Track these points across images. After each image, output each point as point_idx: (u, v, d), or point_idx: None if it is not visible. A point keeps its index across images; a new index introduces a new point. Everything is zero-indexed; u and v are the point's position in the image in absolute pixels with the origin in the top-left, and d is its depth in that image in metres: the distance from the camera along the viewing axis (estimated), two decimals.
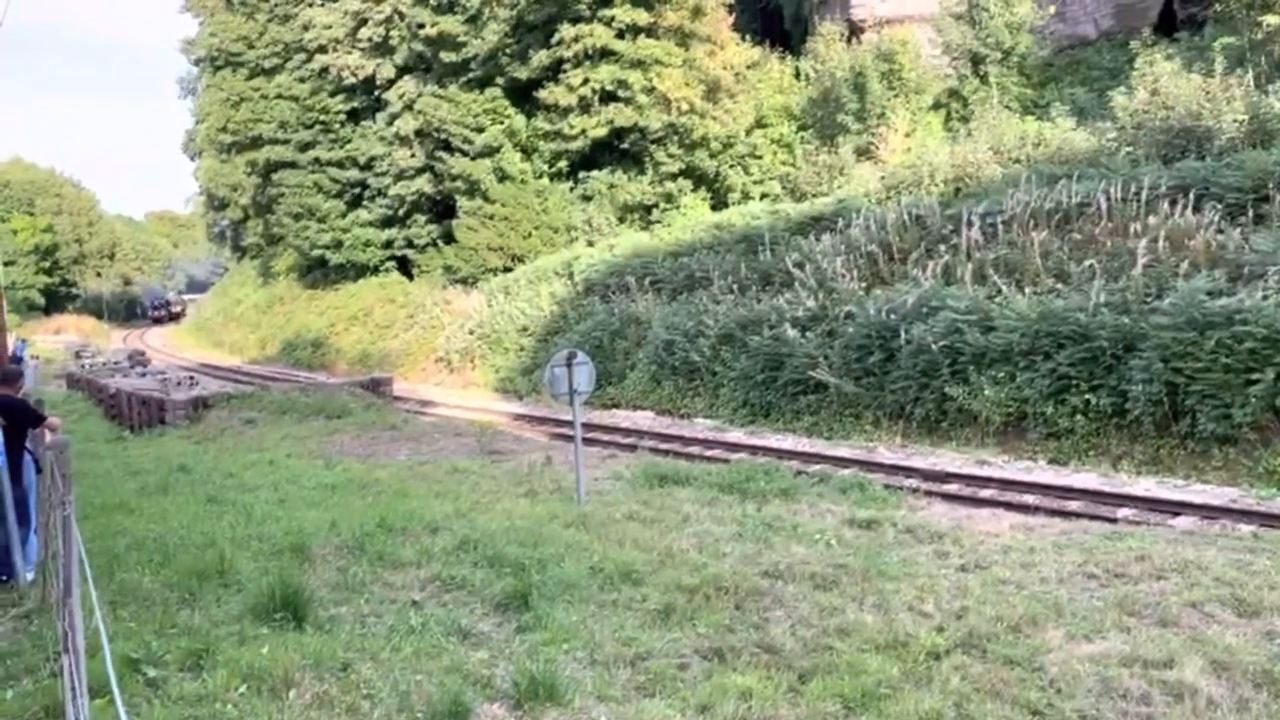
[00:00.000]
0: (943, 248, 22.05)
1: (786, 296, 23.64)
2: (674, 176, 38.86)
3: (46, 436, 9.00)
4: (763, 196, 37.44)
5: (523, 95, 41.18)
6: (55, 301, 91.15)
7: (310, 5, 52.30)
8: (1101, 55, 33.59)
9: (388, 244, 49.36)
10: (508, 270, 40.18)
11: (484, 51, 40.38)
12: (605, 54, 37.76)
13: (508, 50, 40.28)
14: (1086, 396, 16.33)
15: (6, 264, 58.99)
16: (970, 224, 21.86)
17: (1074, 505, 13.07)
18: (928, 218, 23.98)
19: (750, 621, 7.08)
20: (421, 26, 42.38)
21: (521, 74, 40.16)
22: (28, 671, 6.24)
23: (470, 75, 42.01)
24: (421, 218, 47.66)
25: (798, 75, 40.00)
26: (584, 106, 38.48)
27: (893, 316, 19.93)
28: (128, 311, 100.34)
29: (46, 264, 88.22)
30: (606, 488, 13.36)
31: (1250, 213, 18.62)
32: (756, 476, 13.32)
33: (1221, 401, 14.67)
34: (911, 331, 19.15)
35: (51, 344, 66.80)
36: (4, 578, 8.30)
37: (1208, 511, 12.25)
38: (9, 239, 78.49)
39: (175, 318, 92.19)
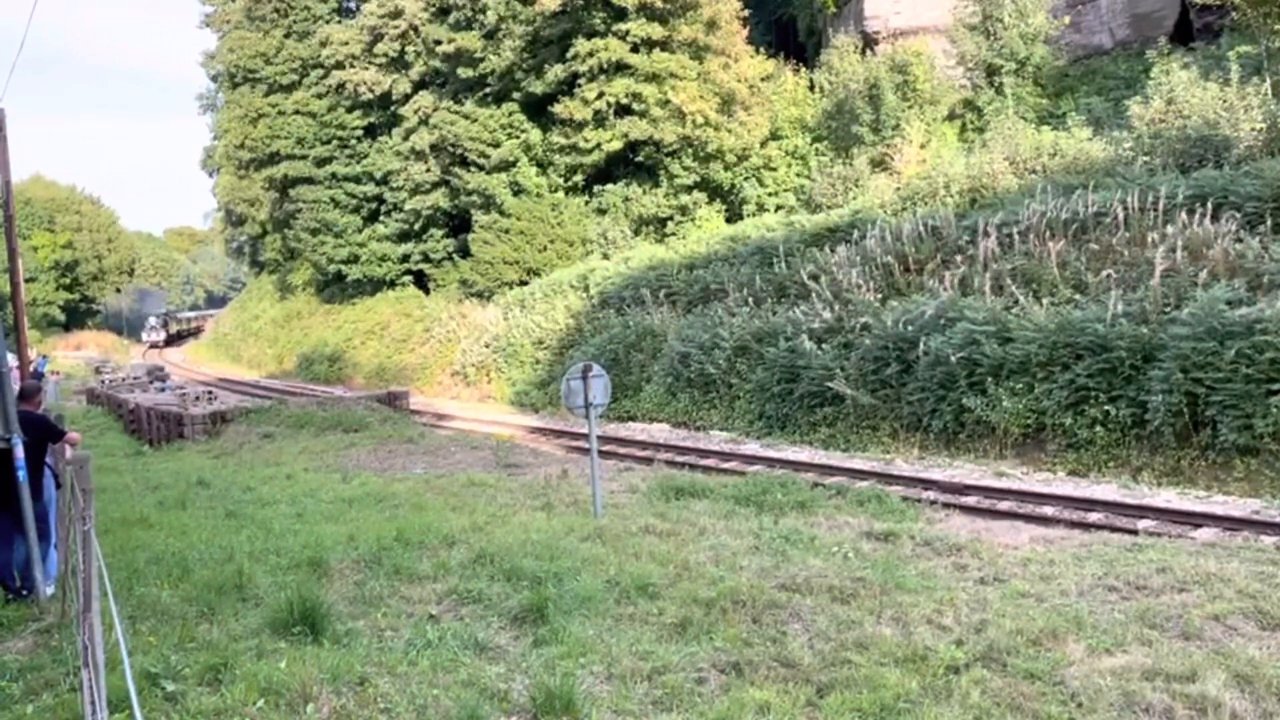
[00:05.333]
0: (959, 259, 21.99)
1: (802, 308, 23.61)
2: (689, 189, 38.93)
3: (67, 451, 9.06)
4: (777, 208, 37.44)
5: (538, 109, 41.39)
6: (75, 317, 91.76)
7: (327, 21, 52.80)
8: (1117, 65, 33.49)
9: (404, 258, 49.64)
10: (523, 284, 40.31)
11: (500, 67, 40.61)
12: (620, 68, 37.92)
13: (524, 65, 40.50)
14: (1105, 407, 16.22)
15: (27, 280, 59.52)
16: (986, 235, 21.80)
17: (1094, 517, 12.98)
18: (943, 229, 23.92)
19: (768, 635, 7.04)
20: (439, 43, 42.68)
21: (537, 88, 40.37)
22: (48, 686, 6.27)
23: (486, 90, 42.25)
24: (437, 232, 47.92)
25: (812, 87, 40.02)
26: (599, 120, 38.63)
27: (910, 328, 19.87)
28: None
29: (67, 280, 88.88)
30: (623, 501, 13.35)
31: (1269, 221, 18.49)
32: (773, 489, 13.30)
33: (1243, 412, 14.54)
34: (929, 343, 19.08)
35: (72, 360, 67.38)
36: (24, 592, 8.35)
37: (1230, 523, 12.13)
38: (30, 256, 79.14)
39: (175, 340, 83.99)
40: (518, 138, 41.70)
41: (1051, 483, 15.57)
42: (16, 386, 9.25)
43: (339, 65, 49.53)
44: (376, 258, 50.27)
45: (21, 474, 8.10)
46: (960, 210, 26.02)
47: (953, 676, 6.21)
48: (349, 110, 51.37)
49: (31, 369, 25.08)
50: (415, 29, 44.89)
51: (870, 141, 34.95)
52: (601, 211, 40.75)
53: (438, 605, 7.86)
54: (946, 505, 13.82)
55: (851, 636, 6.93)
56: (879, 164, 34.00)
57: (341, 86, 49.68)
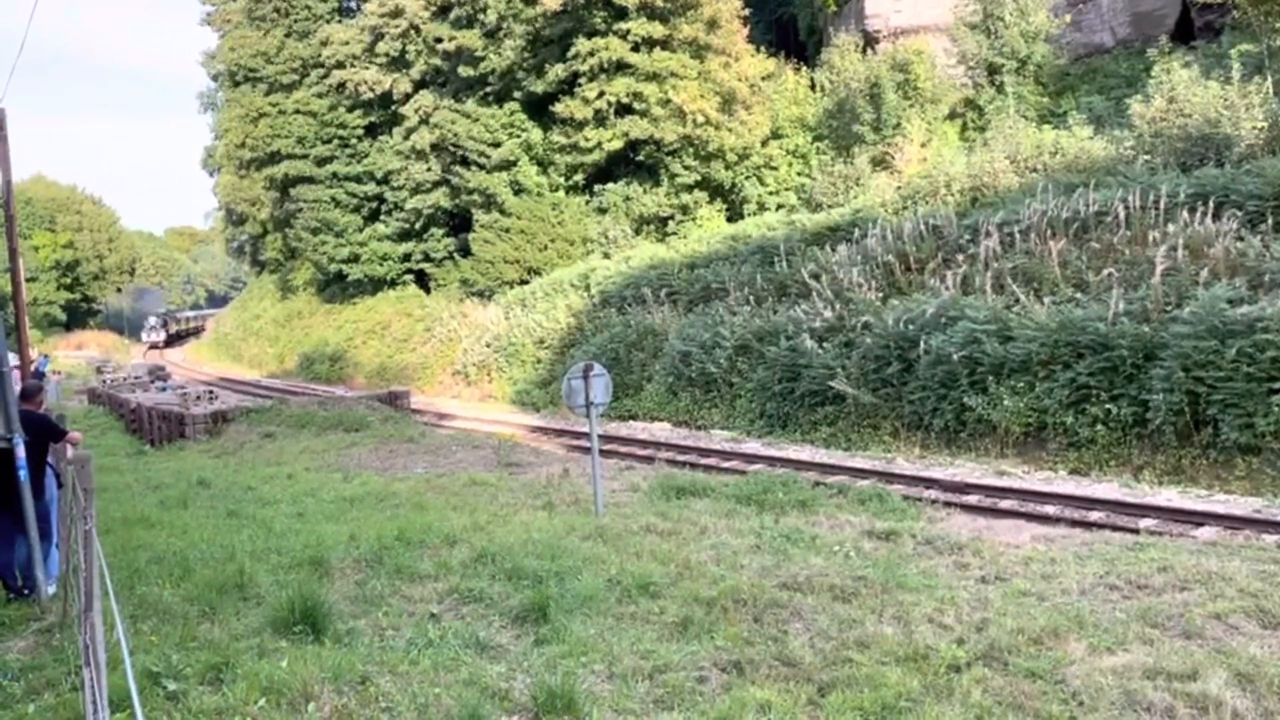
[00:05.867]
0: (960, 258, 21.99)
1: (803, 307, 23.60)
2: (690, 188, 38.92)
3: (68, 451, 9.06)
4: (778, 207, 37.44)
5: (539, 109, 41.39)
6: (76, 317, 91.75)
7: (328, 21, 52.79)
8: (1118, 63, 33.47)
9: (405, 257, 49.63)
10: (524, 283, 40.31)
11: (501, 66, 40.61)
12: (621, 67, 37.91)
13: (524, 64, 40.50)
14: (1107, 406, 16.22)
15: (29, 280, 59.41)
16: (988, 234, 21.80)
17: (1095, 516, 12.97)
18: (944, 228, 23.93)
19: (769, 634, 7.04)
20: (439, 41, 42.68)
21: (538, 88, 40.36)
22: (49, 685, 6.28)
23: (487, 89, 42.25)
24: (438, 231, 47.91)
25: (813, 86, 40.00)
26: (600, 119, 38.62)
27: (911, 327, 19.87)
28: None
29: (68, 280, 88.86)
30: (624, 500, 13.35)
31: (1270, 220, 18.50)
32: (774, 488, 13.30)
33: (1244, 411, 14.54)
34: (930, 342, 19.08)
35: (73, 359, 67.39)
36: (26, 591, 8.35)
37: (1231, 522, 12.13)
38: (31, 255, 79.10)
39: (175, 341, 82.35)
40: (518, 137, 41.70)
41: (1053, 481, 15.57)
42: (18, 386, 9.26)
43: (339, 65, 49.53)
44: (377, 257, 50.27)
45: (23, 473, 8.10)
46: (961, 209, 26.02)
47: (954, 675, 6.21)
48: (349, 109, 51.37)
49: (32, 369, 25.08)
50: (416, 28, 44.88)
51: (871, 140, 34.95)
52: (602, 211, 40.74)
53: (439, 604, 7.86)
54: (948, 504, 13.82)
55: (853, 635, 6.93)
56: (880, 163, 34.00)
57: (342, 86, 49.68)
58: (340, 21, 52.89)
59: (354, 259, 50.77)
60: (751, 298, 26.26)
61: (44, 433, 8.78)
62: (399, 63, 46.91)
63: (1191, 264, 17.56)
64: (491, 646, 6.89)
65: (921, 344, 19.25)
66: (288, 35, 53.81)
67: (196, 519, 12.23)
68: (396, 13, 45.44)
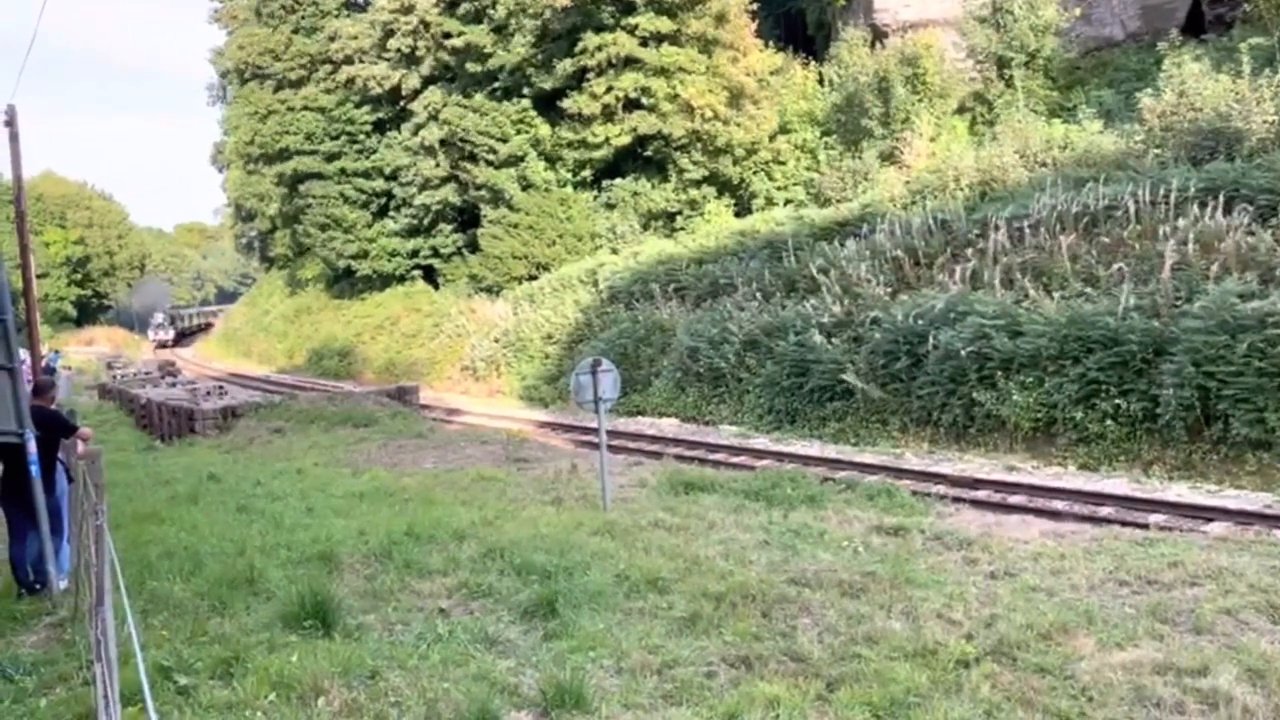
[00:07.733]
0: (969, 252, 21.93)
1: (812, 302, 23.58)
2: (698, 183, 38.87)
3: (79, 447, 9.10)
4: (787, 203, 37.35)
5: (547, 105, 41.36)
6: (87, 313, 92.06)
7: (335, 16, 52.80)
8: (1128, 57, 33.29)
9: (413, 253, 49.65)
10: (532, 279, 40.31)
11: (510, 62, 40.61)
12: (629, 62, 37.86)
13: (533, 60, 40.48)
14: (1116, 401, 16.17)
15: (39, 276, 59.44)
16: (997, 228, 21.74)
17: (1105, 511, 12.93)
18: (953, 222, 23.87)
19: (777, 629, 7.04)
20: (448, 36, 42.67)
21: (545, 83, 40.33)
22: (61, 679, 6.32)
23: (496, 85, 42.26)
24: (446, 227, 47.91)
25: (821, 81, 39.90)
26: (608, 115, 38.59)
27: (920, 322, 19.84)
28: None
29: (78, 276, 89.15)
30: (632, 495, 13.36)
31: None
32: (782, 483, 13.30)
33: (1255, 406, 14.48)
34: (939, 337, 19.05)
35: (83, 355, 67.66)
36: (38, 586, 8.40)
37: (1241, 517, 12.08)
38: (42, 251, 79.32)
39: (181, 339, 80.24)
40: (527, 133, 41.70)
41: (1062, 477, 15.52)
42: (29, 382, 9.31)
43: (348, 60, 49.50)
44: (386, 253, 50.29)
45: (34, 469, 8.15)
46: (970, 204, 25.94)
47: (963, 671, 6.20)
48: (358, 105, 51.35)
49: (44, 365, 25.21)
50: (425, 24, 44.85)
51: (879, 135, 34.83)
52: (610, 206, 40.71)
53: (448, 599, 7.89)
54: (957, 499, 13.78)
55: (861, 631, 6.93)
56: (888, 157, 33.89)
57: (350, 82, 49.65)
58: (349, 17, 52.90)
59: (362, 255, 50.80)
60: (759, 293, 26.23)
61: (55, 428, 8.82)
62: (408, 59, 46.90)
63: (1202, 259, 17.49)
64: (500, 641, 6.91)
65: (930, 339, 19.22)
66: (295, 31, 53.81)
67: (206, 514, 12.27)
68: (408, 9, 45.39)
